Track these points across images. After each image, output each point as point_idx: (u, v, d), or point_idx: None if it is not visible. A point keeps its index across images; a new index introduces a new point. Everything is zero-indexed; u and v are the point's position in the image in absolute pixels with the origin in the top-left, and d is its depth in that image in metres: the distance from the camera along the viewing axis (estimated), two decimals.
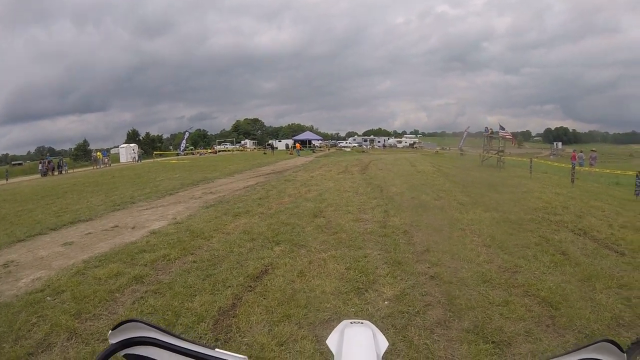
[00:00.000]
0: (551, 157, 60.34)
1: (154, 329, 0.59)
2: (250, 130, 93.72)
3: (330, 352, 0.72)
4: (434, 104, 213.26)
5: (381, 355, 0.69)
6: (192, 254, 5.38)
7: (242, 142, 69.95)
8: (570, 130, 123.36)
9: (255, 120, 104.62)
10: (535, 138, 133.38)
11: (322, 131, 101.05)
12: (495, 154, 24.57)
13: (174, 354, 0.60)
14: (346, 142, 67.79)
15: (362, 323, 0.78)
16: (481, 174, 18.51)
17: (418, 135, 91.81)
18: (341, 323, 0.80)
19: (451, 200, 9.74)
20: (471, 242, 5.77)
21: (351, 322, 0.79)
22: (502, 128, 25.29)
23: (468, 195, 10.51)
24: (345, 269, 4.59)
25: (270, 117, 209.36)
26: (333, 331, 0.78)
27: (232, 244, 5.73)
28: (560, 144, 76.00)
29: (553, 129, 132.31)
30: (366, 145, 63.50)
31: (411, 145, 64.68)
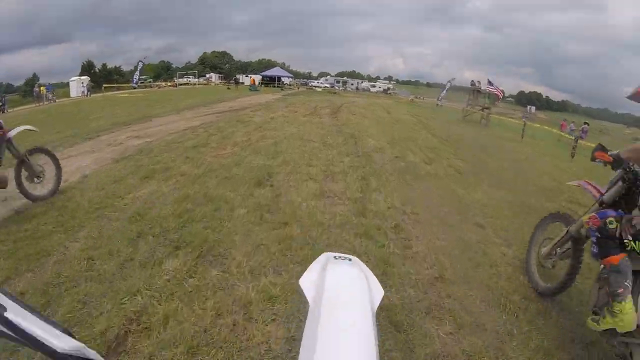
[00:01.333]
0: (524, 119, 60.28)
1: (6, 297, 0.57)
2: (218, 64, 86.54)
3: (304, 295, 0.56)
4: (411, 52, 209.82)
5: (375, 306, 0.53)
6: (31, 271, 2.74)
7: (207, 75, 63.21)
8: (544, 97, 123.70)
9: (224, 54, 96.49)
10: (508, 99, 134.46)
11: (293, 69, 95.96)
12: (480, 109, 22.52)
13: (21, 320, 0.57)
14: (318, 82, 63.16)
15: (350, 260, 0.65)
16: (467, 131, 16.39)
17: (392, 82, 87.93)
18: (321, 256, 0.67)
19: (445, 165, 7.51)
20: (502, 255, 3.55)
21: (335, 257, 0.65)
22: (491, 83, 23.09)
23: (463, 160, 8.33)
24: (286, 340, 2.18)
25: (242, 52, 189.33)
26: (309, 267, 0.63)
27: (103, 247, 3.13)
28: (533, 108, 75.81)
29: (527, 92, 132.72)
30: (338, 87, 58.33)
31: (385, 91, 60.98)
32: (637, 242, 1.99)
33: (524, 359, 2.20)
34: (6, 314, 0.54)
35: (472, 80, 25.63)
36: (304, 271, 0.61)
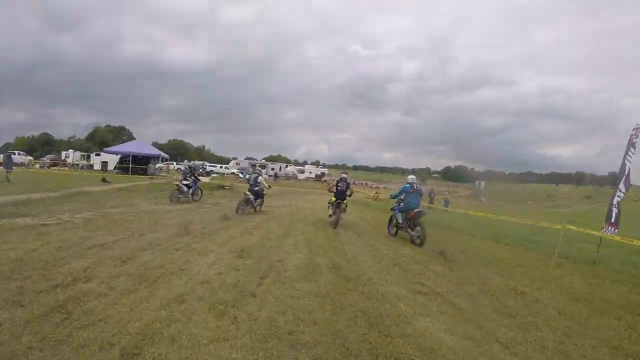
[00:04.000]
0: (482, 198, 47.96)
1: None
2: (111, 141, 67.36)
3: None
4: (335, 138, 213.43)
5: None
6: None
7: (64, 153, 41.48)
8: (469, 169, 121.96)
9: (120, 129, 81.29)
10: (434, 175, 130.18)
11: (221, 154, 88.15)
12: None
13: None
14: (220, 167, 45.31)
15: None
16: None
17: (321, 166, 73.67)
18: None
19: None
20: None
21: None
22: None
23: None
24: None
25: (169, 135, 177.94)
26: None
27: None
28: (483, 183, 65.27)
29: (453, 167, 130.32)
30: (246, 175, 36.31)
31: (318, 176, 46.29)
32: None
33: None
34: None
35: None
36: None
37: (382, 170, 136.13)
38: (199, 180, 13.86)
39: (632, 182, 7.63)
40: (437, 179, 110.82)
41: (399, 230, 8.96)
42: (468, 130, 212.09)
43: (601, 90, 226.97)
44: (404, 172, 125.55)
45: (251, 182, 11.01)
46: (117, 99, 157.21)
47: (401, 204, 8.84)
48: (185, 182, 12.95)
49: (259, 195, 11.01)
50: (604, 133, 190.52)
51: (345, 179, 9.94)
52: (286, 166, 51.39)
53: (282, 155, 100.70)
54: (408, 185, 8.81)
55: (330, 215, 9.88)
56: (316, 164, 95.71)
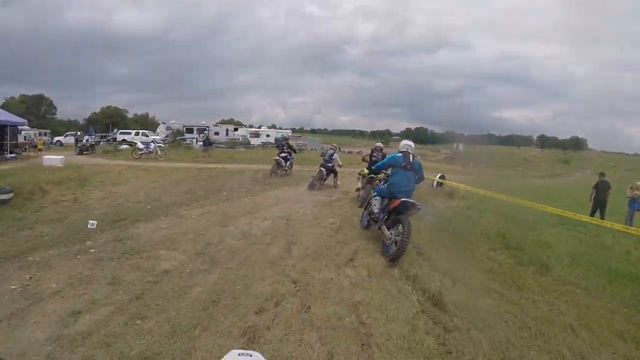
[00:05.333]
0: (471, 163, 41.43)
1: None
2: (24, 113, 53.32)
3: None
4: (292, 101, 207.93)
5: None
6: None
7: None
8: (429, 131, 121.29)
9: (40, 98, 68.30)
10: (395, 137, 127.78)
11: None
12: None
13: None
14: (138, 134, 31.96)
15: (251, 355, 0.77)
16: None
17: (282, 130, 61.73)
18: (229, 353, 0.79)
19: None
20: None
21: (239, 354, 0.77)
22: None
23: None
24: None
25: (120, 105, 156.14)
26: None
27: None
28: (461, 145, 58.92)
29: (413, 129, 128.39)
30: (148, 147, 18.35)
31: (280, 141, 33.30)
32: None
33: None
34: None
35: None
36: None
37: (340, 133, 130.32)
38: (295, 152, 13.41)
39: None
40: (398, 141, 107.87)
41: (372, 224, 5.96)
42: (425, 92, 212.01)
43: (555, 57, 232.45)
44: (362, 134, 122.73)
45: (326, 158, 10.68)
46: (62, 71, 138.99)
47: (386, 183, 5.95)
48: (282, 154, 12.30)
49: (332, 171, 10.62)
50: (556, 98, 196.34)
51: (381, 149, 8.92)
52: (235, 129, 40.12)
53: (236, 120, 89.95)
54: (400, 155, 5.63)
55: (357, 189, 8.91)
56: (273, 127, 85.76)
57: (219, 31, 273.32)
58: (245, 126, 48.86)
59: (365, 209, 6.40)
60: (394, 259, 4.72)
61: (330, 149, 11.02)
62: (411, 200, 5.20)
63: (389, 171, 5.90)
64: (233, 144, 31.62)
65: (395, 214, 5.31)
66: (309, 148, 33.72)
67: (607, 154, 72.22)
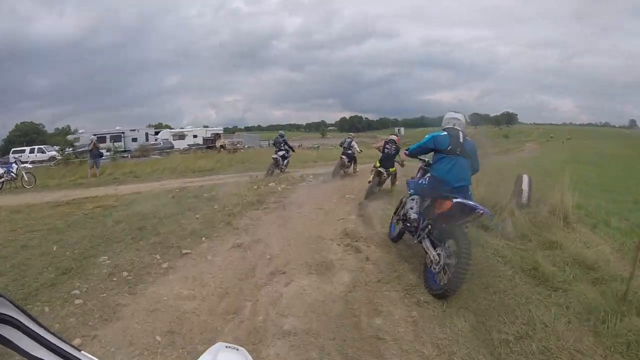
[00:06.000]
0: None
1: (19, 311, 0.53)
2: None
3: None
4: (223, 101, 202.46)
5: None
6: None
7: None
8: (364, 119, 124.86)
9: None
10: (330, 128, 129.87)
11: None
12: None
13: (36, 343, 0.53)
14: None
15: (237, 349, 0.75)
16: None
17: (213, 129, 55.24)
18: (215, 345, 0.76)
19: None
20: None
21: (226, 347, 0.75)
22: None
23: None
24: None
25: (44, 121, 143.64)
26: (205, 352, 0.73)
27: None
28: (402, 129, 59.66)
29: (348, 117, 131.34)
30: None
31: (210, 140, 29.06)
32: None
33: None
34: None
35: None
36: (201, 354, 0.72)
37: (275, 128, 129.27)
38: (292, 150, 12.88)
39: None
40: (335, 131, 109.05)
41: (407, 234, 4.37)
42: (355, 81, 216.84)
43: (478, 39, 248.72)
44: (297, 127, 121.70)
45: (345, 146, 11.11)
46: None
47: (426, 175, 4.25)
48: (280, 152, 12.04)
49: (352, 158, 11.01)
50: (482, 78, 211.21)
51: (395, 141, 8.20)
52: (156, 132, 34.32)
53: (164, 124, 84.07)
54: (444, 134, 3.90)
55: (369, 181, 8.02)
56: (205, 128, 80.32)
57: (143, 33, 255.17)
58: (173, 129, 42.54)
59: (395, 212, 4.92)
60: (444, 294, 3.27)
61: (348, 137, 11.50)
62: (469, 202, 3.48)
63: (430, 158, 4.20)
64: (145, 152, 25.93)
65: (445, 222, 3.64)
66: (246, 146, 29.02)
67: (539, 126, 77.71)
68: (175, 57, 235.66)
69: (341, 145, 11.69)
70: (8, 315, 0.50)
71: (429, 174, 4.09)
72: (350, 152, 10.94)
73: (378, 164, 7.93)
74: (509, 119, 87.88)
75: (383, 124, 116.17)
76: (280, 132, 13.65)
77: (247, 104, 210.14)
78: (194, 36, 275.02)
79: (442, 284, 3.34)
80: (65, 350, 0.53)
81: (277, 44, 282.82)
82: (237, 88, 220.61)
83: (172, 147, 28.43)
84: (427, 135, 4.11)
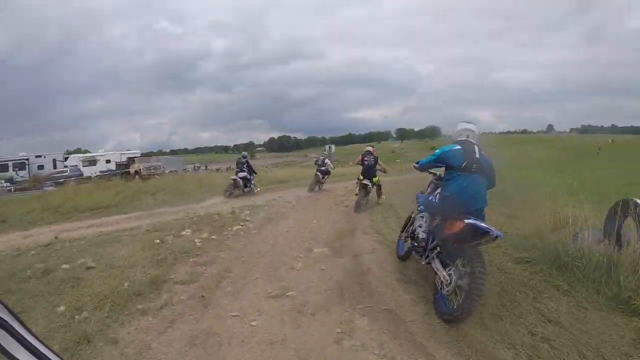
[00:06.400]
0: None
1: (7, 311, 0.53)
2: None
3: None
4: (148, 124, 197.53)
5: None
6: None
7: None
8: (292, 138, 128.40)
9: None
10: (258, 149, 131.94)
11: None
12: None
13: (21, 347, 0.53)
14: None
15: None
16: None
17: (130, 152, 53.07)
18: None
19: None
20: None
21: None
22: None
23: None
24: None
25: None
26: None
27: None
28: (333, 146, 61.11)
29: (276, 137, 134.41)
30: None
31: (123, 166, 26.68)
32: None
33: None
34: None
35: None
36: None
37: (202, 150, 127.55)
38: (255, 172, 12.76)
39: None
40: (263, 152, 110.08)
41: (414, 253, 3.98)
42: (283, 102, 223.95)
43: (401, 60, 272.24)
44: (225, 149, 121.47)
45: (319, 163, 12.38)
46: None
47: (437, 191, 3.80)
48: (241, 174, 11.86)
49: (325, 173, 12.27)
50: (404, 95, 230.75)
51: (371, 152, 8.95)
52: (65, 158, 32.16)
53: (83, 149, 79.23)
54: (457, 148, 3.40)
55: (356, 194, 8.69)
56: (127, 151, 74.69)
57: (66, 54, 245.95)
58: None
59: (403, 230, 4.60)
60: (456, 318, 3.02)
61: (321, 156, 12.84)
62: (482, 225, 3.11)
63: (442, 173, 3.80)
64: (37, 182, 22.96)
65: (455, 243, 3.31)
66: (166, 171, 26.13)
67: None
68: (100, 80, 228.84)
69: (315, 164, 12.88)
70: (3, 319, 0.52)
71: (439, 191, 3.71)
72: (323, 168, 12.19)
73: (361, 177, 8.45)
74: (432, 132, 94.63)
75: (312, 143, 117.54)
76: (243, 152, 13.86)
77: (173, 126, 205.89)
78: (119, 58, 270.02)
79: (452, 307, 3.08)
80: (46, 356, 0.55)
81: (204, 65, 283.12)
82: (163, 110, 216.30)
83: (81, 174, 26.19)
84: (437, 150, 3.70)
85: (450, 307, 3.09)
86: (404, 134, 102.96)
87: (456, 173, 3.36)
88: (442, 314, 3.14)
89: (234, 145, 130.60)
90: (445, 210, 3.44)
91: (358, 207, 8.07)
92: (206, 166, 45.85)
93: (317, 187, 12.04)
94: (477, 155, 3.36)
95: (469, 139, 3.54)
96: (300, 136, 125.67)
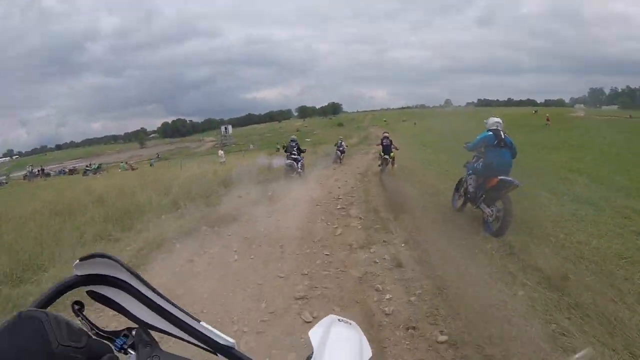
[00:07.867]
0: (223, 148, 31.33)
1: (128, 272, 0.51)
2: None
3: (311, 345, 0.67)
4: (34, 117, 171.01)
5: None
6: None
7: None
8: (188, 122, 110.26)
9: None
10: (151, 136, 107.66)
11: None
12: None
13: (144, 306, 0.52)
14: None
15: (350, 324, 0.76)
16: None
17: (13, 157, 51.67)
18: (328, 317, 0.77)
19: None
20: None
21: (339, 320, 0.76)
22: None
23: None
24: None
25: None
26: (318, 324, 0.75)
27: None
28: (230, 127, 56.34)
29: (170, 122, 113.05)
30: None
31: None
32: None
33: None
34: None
35: None
36: (314, 325, 0.71)
37: (90, 142, 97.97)
38: (303, 152, 12.98)
39: None
40: (157, 138, 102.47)
41: (468, 203, 6.00)
42: (177, 84, 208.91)
43: (297, 38, 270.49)
44: (116, 138, 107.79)
45: (338, 144, 16.17)
46: None
47: (479, 161, 5.81)
48: (293, 156, 12.10)
49: (343, 151, 16.14)
50: (302, 75, 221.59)
51: (387, 137, 12.31)
52: None
53: None
54: (490, 134, 5.55)
55: (379, 165, 12.33)
56: (9, 154, 68.69)
57: None
58: None
59: (456, 190, 6.53)
60: (499, 233, 4.90)
61: (339, 139, 16.67)
62: (509, 179, 5.09)
63: (482, 150, 5.74)
64: None
65: (492, 192, 5.28)
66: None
67: (363, 113, 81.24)
68: None
69: (335, 145, 16.49)
70: (116, 277, 0.50)
71: (481, 160, 5.65)
72: (342, 148, 15.89)
73: (382, 153, 11.80)
74: (334, 109, 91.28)
75: (210, 125, 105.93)
76: (292, 137, 13.53)
77: (61, 117, 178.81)
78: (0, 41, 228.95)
79: (495, 228, 5.02)
80: (180, 319, 0.52)
81: (91, 47, 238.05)
82: (49, 100, 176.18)
83: None
84: (478, 136, 5.73)
85: (494, 229, 5.02)
86: (305, 112, 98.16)
87: (491, 148, 5.40)
88: (490, 233, 5.05)
89: (125, 133, 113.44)
90: (486, 172, 5.41)
91: (382, 172, 11.39)
92: (42, 169, 36.43)
93: (338, 161, 15.35)
94: (503, 137, 5.39)
95: (498, 128, 5.54)
96: (198, 119, 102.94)
